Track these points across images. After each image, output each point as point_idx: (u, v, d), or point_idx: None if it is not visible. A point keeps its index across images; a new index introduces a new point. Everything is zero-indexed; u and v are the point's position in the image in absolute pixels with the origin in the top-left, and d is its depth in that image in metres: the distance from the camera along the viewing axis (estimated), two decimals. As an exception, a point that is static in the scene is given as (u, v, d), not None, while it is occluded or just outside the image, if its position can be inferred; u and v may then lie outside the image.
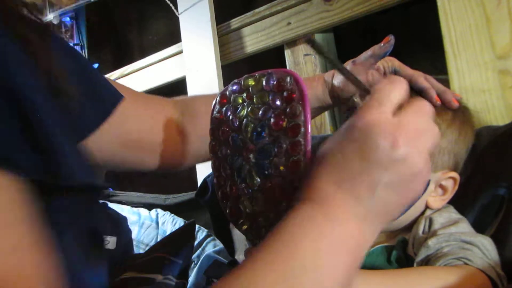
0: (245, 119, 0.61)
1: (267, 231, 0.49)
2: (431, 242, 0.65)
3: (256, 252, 0.41)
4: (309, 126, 0.53)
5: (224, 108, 0.65)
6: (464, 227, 0.69)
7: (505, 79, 0.94)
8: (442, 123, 0.71)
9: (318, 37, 1.36)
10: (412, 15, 1.31)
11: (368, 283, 0.59)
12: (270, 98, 0.58)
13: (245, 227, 0.61)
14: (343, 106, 0.81)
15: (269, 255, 0.39)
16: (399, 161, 0.41)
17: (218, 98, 0.66)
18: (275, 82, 0.58)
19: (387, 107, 0.43)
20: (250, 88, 0.62)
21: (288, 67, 1.41)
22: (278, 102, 0.57)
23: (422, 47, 1.35)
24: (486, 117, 0.95)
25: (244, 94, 0.62)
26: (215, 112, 0.66)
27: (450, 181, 0.72)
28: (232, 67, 1.56)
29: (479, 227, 0.73)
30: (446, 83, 1.03)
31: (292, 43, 1.40)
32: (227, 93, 0.65)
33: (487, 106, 0.96)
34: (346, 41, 1.47)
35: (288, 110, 0.56)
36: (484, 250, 0.64)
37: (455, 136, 0.72)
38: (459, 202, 0.77)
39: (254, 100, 0.61)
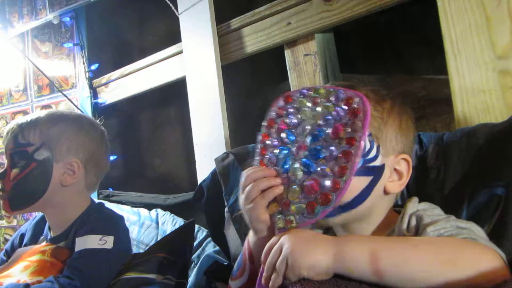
0: (304, 121, 0.73)
1: (295, 219, 0.69)
2: (429, 229, 0.66)
3: None
4: (363, 144, 0.67)
5: (288, 105, 0.76)
6: (455, 219, 0.69)
7: (505, 79, 0.94)
8: (384, 111, 0.76)
9: (318, 37, 1.36)
10: (412, 15, 1.32)
11: (380, 242, 0.64)
12: (336, 109, 0.70)
13: (274, 208, 0.72)
14: None
15: None
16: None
17: (283, 97, 0.77)
18: (344, 98, 0.70)
19: None
20: (319, 96, 0.73)
21: (288, 67, 1.41)
22: (342, 113, 0.69)
23: (422, 47, 1.35)
24: (486, 117, 0.95)
25: (312, 99, 0.73)
26: (278, 105, 0.77)
27: (403, 163, 0.76)
28: (232, 67, 1.56)
29: (475, 226, 0.73)
30: (446, 83, 1.04)
31: (292, 43, 1.40)
32: (295, 94, 0.76)
33: (487, 106, 0.96)
34: (346, 41, 1.47)
35: (349, 123, 0.67)
36: (478, 233, 0.66)
37: (397, 121, 0.76)
38: (455, 200, 0.77)
39: (319, 108, 0.72)
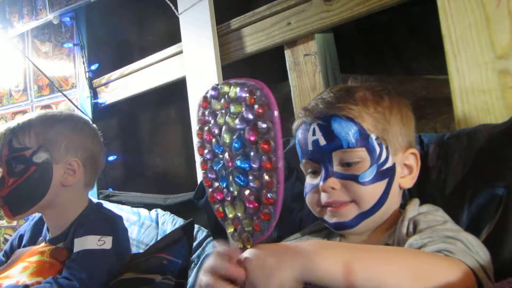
0: (224, 127, 0.63)
1: (249, 237, 0.58)
2: (413, 239, 0.65)
3: None
4: (280, 142, 0.56)
5: (207, 112, 0.67)
6: (451, 226, 0.69)
7: (505, 79, 0.94)
8: (385, 110, 0.77)
9: (318, 37, 1.36)
10: (412, 15, 1.31)
11: (355, 252, 0.61)
12: (243, 110, 0.59)
13: (229, 229, 0.63)
14: None
15: None
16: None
17: (200, 101, 0.68)
18: (247, 94, 0.59)
19: None
20: (226, 96, 0.63)
21: (288, 67, 1.41)
22: (250, 116, 0.58)
23: (422, 47, 1.35)
24: (486, 117, 0.95)
25: (222, 101, 0.64)
26: (199, 114, 0.68)
27: (412, 157, 0.78)
28: (232, 67, 1.56)
29: (476, 226, 0.73)
30: (446, 83, 1.03)
31: (292, 43, 1.40)
32: (208, 96, 0.66)
33: (487, 106, 0.96)
34: (346, 41, 1.46)
35: (258, 125, 0.57)
36: (468, 244, 0.64)
37: (399, 116, 0.77)
38: (456, 201, 0.77)
39: (231, 109, 0.62)
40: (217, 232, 1.20)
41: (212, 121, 0.66)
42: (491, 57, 0.96)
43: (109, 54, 2.06)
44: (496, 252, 0.66)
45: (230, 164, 0.62)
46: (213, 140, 0.65)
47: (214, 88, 0.65)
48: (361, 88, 0.80)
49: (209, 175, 0.67)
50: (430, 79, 1.42)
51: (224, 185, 0.64)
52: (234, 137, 0.61)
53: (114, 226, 1.19)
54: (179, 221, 1.52)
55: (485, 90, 0.96)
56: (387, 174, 0.74)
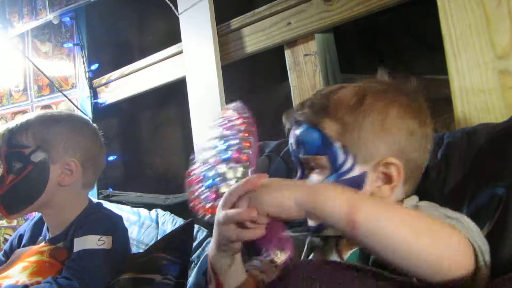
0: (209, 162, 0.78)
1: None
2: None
3: None
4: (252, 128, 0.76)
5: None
6: (452, 214, 0.69)
7: (505, 79, 0.94)
8: (358, 116, 0.72)
9: (318, 37, 1.36)
10: (412, 15, 1.31)
11: (361, 198, 0.61)
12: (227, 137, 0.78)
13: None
14: None
15: None
16: None
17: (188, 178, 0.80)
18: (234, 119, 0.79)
19: None
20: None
21: (288, 67, 1.41)
22: (234, 141, 0.76)
23: (422, 47, 1.35)
24: (486, 117, 0.95)
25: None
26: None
27: (391, 167, 0.72)
28: (232, 67, 1.56)
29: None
30: (446, 83, 1.03)
31: (292, 43, 1.40)
32: (195, 171, 0.80)
33: (487, 106, 0.96)
34: (346, 41, 1.46)
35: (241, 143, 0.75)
36: (466, 224, 0.64)
37: (377, 123, 0.72)
38: (455, 200, 0.77)
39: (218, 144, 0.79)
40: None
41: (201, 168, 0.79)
42: (491, 57, 0.96)
43: (109, 54, 2.06)
44: (495, 251, 0.66)
45: (217, 162, 0.76)
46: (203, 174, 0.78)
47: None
48: (346, 89, 0.77)
49: (203, 196, 0.77)
50: (430, 79, 1.42)
51: (209, 183, 0.75)
52: (221, 144, 0.76)
53: (114, 226, 1.19)
54: (179, 221, 1.52)
55: (485, 90, 0.96)
56: (352, 183, 0.70)
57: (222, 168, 0.74)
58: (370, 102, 0.73)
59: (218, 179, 0.74)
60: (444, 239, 0.58)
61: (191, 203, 0.77)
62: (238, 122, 0.77)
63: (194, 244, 1.35)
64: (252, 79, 1.83)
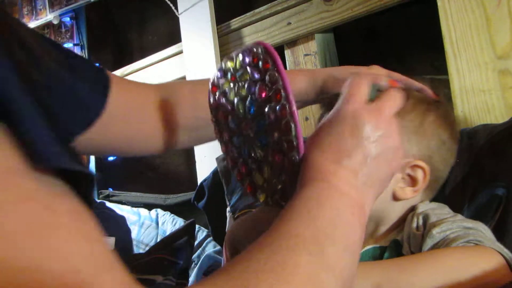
0: (235, 100, 0.63)
1: (281, 196, 0.58)
2: (435, 231, 0.64)
3: (278, 224, 0.45)
4: (289, 88, 0.56)
5: (217, 96, 0.67)
6: (461, 217, 0.69)
7: (505, 79, 0.94)
8: (400, 111, 0.70)
9: (318, 37, 1.36)
10: (412, 15, 1.31)
11: (385, 273, 0.61)
12: (249, 72, 0.61)
13: (262, 198, 0.63)
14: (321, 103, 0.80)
15: (292, 225, 0.44)
16: (382, 136, 0.51)
17: (210, 88, 0.68)
18: (250, 57, 0.60)
19: (361, 98, 0.53)
20: (231, 70, 0.64)
21: (288, 67, 1.41)
22: (256, 75, 0.59)
23: (422, 47, 1.35)
24: (486, 117, 0.95)
25: (229, 77, 0.65)
26: (211, 101, 0.68)
27: (418, 170, 0.70)
28: (232, 67, 1.56)
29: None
30: (446, 83, 1.04)
31: (292, 43, 1.40)
32: (215, 80, 0.67)
33: (487, 106, 0.96)
34: (346, 41, 1.46)
35: (267, 79, 0.58)
36: (486, 234, 0.64)
37: (414, 124, 0.71)
38: (455, 201, 0.77)
39: (239, 80, 0.63)
40: (218, 232, 1.20)
41: (224, 101, 0.65)
42: (491, 57, 0.96)
43: (109, 54, 2.07)
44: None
45: (249, 132, 0.62)
46: (229, 117, 0.65)
47: (220, 69, 0.66)
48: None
49: (231, 154, 0.67)
50: (430, 79, 1.42)
51: (247, 154, 0.63)
52: (247, 103, 0.61)
53: (117, 227, 1.19)
54: (179, 221, 1.52)
55: (485, 90, 0.96)
56: None
57: (255, 136, 0.62)
58: (413, 103, 0.72)
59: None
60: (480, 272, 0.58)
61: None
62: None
63: (194, 244, 1.35)
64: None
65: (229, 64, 0.64)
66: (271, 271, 0.37)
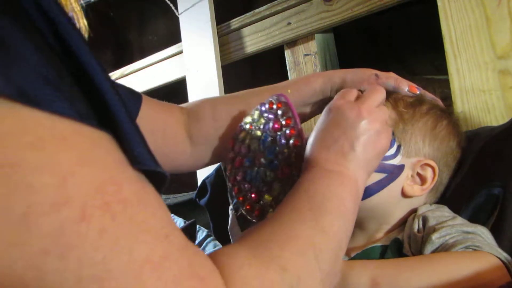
0: (250, 143, 0.75)
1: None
2: (434, 236, 0.65)
3: (282, 206, 0.54)
4: (296, 115, 0.70)
5: (235, 147, 0.78)
6: (461, 220, 0.69)
7: (505, 79, 0.94)
8: (415, 113, 0.75)
9: (318, 37, 1.36)
10: (412, 15, 1.32)
11: (383, 268, 0.63)
12: (265, 115, 0.74)
13: (271, 211, 0.72)
14: None
15: (295, 202, 0.54)
16: (364, 123, 0.60)
17: (228, 147, 0.79)
18: (267, 105, 0.74)
19: (349, 97, 0.65)
20: (249, 121, 0.76)
21: (288, 67, 1.41)
22: (271, 116, 0.73)
23: (422, 47, 1.35)
24: (486, 117, 0.95)
25: (247, 127, 0.76)
26: (229, 156, 0.79)
27: (428, 169, 0.74)
28: (232, 67, 1.56)
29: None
30: (446, 83, 1.04)
31: (292, 43, 1.40)
32: (234, 135, 0.78)
33: (487, 106, 0.96)
34: (346, 41, 1.47)
35: (279, 113, 0.72)
36: (486, 238, 0.65)
37: (430, 127, 0.75)
38: (454, 201, 0.77)
39: (255, 126, 0.75)
40: (218, 232, 1.20)
41: (241, 148, 0.76)
42: (491, 57, 0.96)
43: (109, 54, 2.06)
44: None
45: (262, 161, 0.72)
46: (244, 159, 0.75)
47: (240, 126, 0.78)
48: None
49: (243, 191, 0.75)
50: (430, 79, 1.43)
51: (259, 180, 0.73)
52: (262, 137, 0.73)
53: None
54: (179, 221, 1.52)
55: (485, 90, 0.96)
56: (387, 170, 0.72)
57: (265, 161, 0.73)
58: (428, 107, 0.76)
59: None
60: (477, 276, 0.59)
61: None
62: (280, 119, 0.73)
63: (195, 244, 1.35)
64: (252, 79, 1.83)
65: (248, 119, 0.77)
66: (279, 240, 0.47)
